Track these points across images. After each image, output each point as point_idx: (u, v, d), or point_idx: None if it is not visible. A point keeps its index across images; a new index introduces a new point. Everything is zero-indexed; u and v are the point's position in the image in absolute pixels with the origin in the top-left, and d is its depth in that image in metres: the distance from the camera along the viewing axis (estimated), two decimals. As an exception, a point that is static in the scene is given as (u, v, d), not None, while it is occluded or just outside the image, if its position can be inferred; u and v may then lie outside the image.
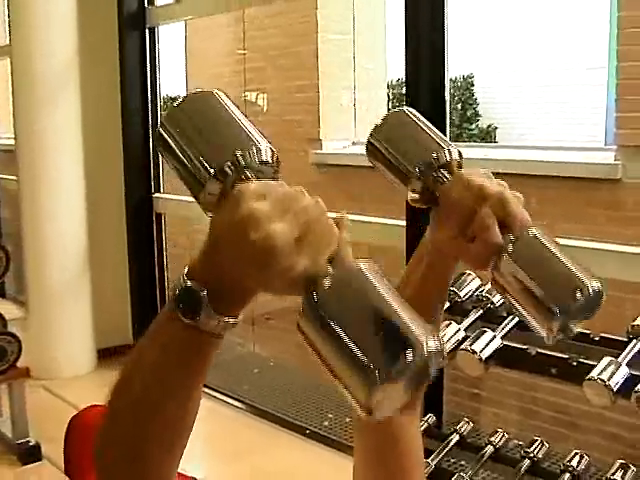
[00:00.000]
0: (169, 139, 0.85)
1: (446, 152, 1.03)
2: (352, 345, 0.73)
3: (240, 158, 0.81)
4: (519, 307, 0.98)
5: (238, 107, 0.88)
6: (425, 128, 1.07)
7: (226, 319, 0.80)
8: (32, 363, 4.20)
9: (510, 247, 0.96)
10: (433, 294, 1.13)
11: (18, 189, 4.90)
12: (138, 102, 5.02)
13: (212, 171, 0.81)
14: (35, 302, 4.93)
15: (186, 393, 0.83)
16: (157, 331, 0.83)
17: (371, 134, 1.10)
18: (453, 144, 1.05)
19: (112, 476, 0.86)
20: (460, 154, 1.05)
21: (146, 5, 5.03)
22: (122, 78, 5.03)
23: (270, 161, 0.84)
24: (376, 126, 1.09)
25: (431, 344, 0.73)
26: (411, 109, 1.10)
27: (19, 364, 3.86)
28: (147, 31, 5.01)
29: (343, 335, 0.73)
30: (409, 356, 0.71)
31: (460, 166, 1.04)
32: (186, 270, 0.81)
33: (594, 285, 0.93)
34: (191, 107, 0.86)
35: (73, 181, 4.87)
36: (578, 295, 0.92)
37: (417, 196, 1.06)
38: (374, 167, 1.09)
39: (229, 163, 0.81)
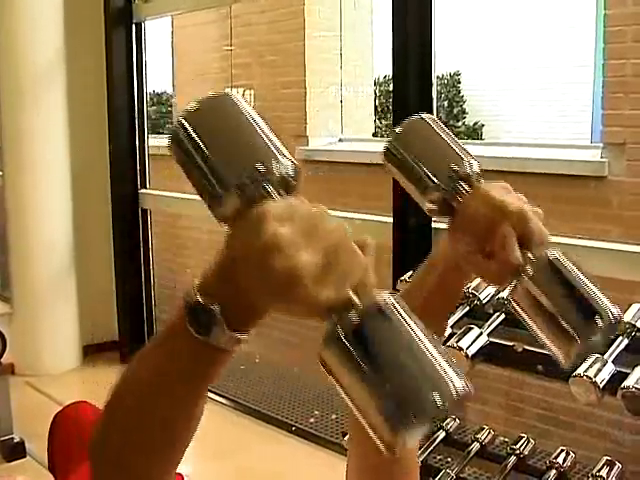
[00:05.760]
0: (185, 144, 0.79)
1: (466, 164, 1.00)
2: (379, 386, 0.70)
3: (261, 171, 0.77)
4: (535, 329, 0.96)
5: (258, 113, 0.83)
6: (446, 138, 1.03)
7: (238, 335, 0.77)
8: (17, 359, 4.19)
9: (530, 269, 0.95)
10: (444, 304, 1.12)
11: (3, 185, 4.88)
12: (124, 98, 5.00)
13: (230, 184, 0.76)
14: (20, 298, 4.91)
15: (190, 401, 0.82)
16: (165, 339, 0.81)
17: (390, 140, 1.04)
18: (473, 156, 1.02)
19: (109, 473, 0.85)
20: (480, 167, 1.02)
21: (132, 0, 5.01)
22: (108, 74, 5.00)
23: (292, 175, 0.79)
24: (396, 132, 1.04)
25: (460, 387, 0.71)
26: (431, 116, 1.06)
27: (3, 360, 3.83)
28: (134, 27, 4.99)
29: (370, 374, 0.71)
30: (439, 402, 0.69)
31: (479, 179, 1.02)
32: (197, 283, 0.78)
33: (614, 312, 0.92)
34: (208, 111, 0.81)
35: (59, 177, 4.86)
36: (599, 322, 0.91)
37: (435, 206, 1.02)
38: (391, 173, 1.05)
39: (248, 177, 0.76)
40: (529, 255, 0.95)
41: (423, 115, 1.05)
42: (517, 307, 0.98)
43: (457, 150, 1.02)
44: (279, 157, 0.78)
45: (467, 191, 1.00)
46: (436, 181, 1.00)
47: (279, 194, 0.77)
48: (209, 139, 0.79)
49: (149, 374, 0.81)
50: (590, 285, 0.94)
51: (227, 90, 0.83)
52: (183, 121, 0.80)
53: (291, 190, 0.79)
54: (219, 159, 0.78)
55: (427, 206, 1.03)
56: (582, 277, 0.95)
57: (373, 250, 0.77)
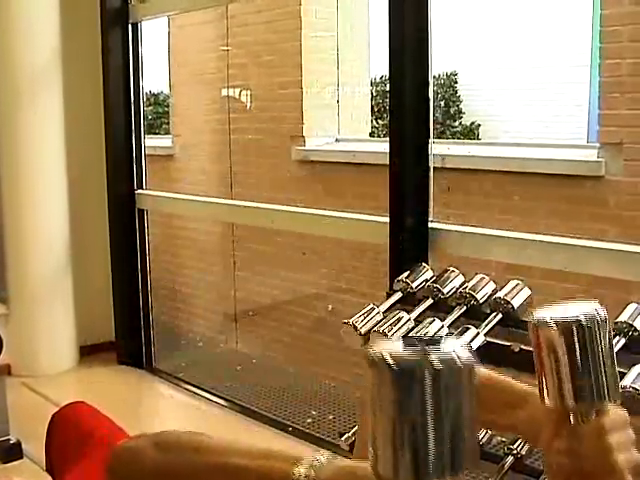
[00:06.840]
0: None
1: (605, 390, 0.99)
2: None
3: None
4: None
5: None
6: (605, 350, 1.00)
7: None
8: (13, 360, 4.18)
9: None
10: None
11: (-1, 185, 4.87)
12: (121, 98, 4.99)
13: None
14: (16, 298, 4.90)
15: None
16: None
17: (574, 325, 0.99)
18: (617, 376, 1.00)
19: None
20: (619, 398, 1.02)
21: (129, 0, 5.00)
22: (105, 74, 5.00)
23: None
24: (581, 318, 0.99)
25: None
26: (605, 318, 1.00)
27: None
28: (130, 27, 4.98)
29: None
30: None
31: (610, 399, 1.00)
32: (317, 468, 0.83)
33: None
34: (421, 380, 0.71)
35: (55, 177, 4.85)
36: None
37: (553, 402, 1.01)
38: (535, 340, 1.07)
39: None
40: None
41: (602, 315, 1.00)
42: None
43: (607, 368, 1.00)
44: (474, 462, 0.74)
45: (590, 415, 0.99)
46: (576, 392, 0.99)
47: None
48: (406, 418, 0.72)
49: None
50: None
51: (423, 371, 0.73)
52: (390, 373, 0.73)
53: None
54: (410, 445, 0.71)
55: (549, 399, 1.02)
56: None
57: None
